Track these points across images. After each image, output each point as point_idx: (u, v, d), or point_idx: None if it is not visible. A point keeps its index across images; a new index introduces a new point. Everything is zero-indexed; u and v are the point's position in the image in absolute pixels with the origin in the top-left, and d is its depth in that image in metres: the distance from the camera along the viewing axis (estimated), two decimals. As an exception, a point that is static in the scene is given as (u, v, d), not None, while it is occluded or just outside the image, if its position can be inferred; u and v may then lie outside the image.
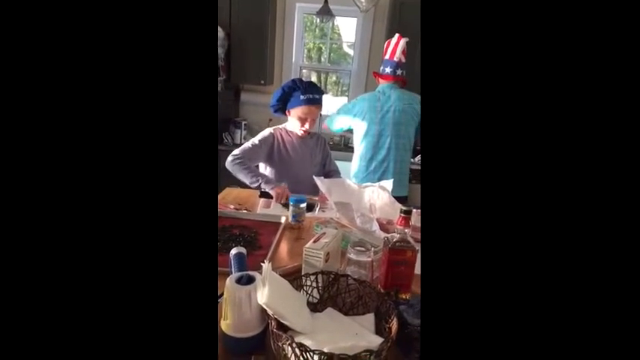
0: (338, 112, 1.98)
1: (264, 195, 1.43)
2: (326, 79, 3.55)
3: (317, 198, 1.45)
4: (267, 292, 0.60)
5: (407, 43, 1.78)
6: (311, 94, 1.55)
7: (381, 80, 1.88)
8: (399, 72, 1.81)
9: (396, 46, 1.79)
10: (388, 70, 1.82)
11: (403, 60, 1.81)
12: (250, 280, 0.63)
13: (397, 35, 1.80)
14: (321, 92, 1.60)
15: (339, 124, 1.97)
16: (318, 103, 1.58)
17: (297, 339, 0.56)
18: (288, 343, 0.55)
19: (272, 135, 1.65)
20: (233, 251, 0.72)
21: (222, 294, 0.72)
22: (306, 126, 1.60)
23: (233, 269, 0.69)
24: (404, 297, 0.79)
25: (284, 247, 1.09)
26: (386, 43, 1.84)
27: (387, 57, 1.83)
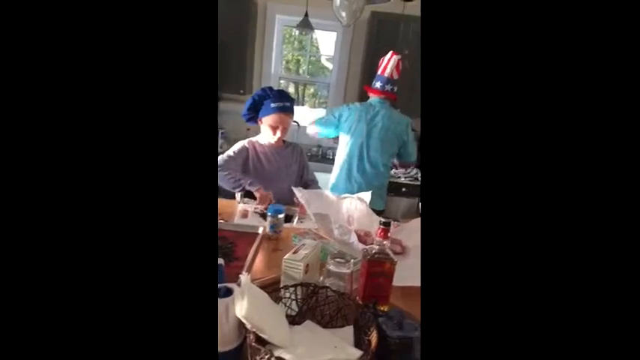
0: (326, 114, 2.00)
1: (248, 195, 1.41)
2: (304, 90, 3.57)
3: (297, 208, 1.44)
4: (246, 304, 0.59)
5: (399, 59, 1.84)
6: (281, 102, 1.55)
7: (371, 94, 1.92)
8: (388, 87, 1.86)
9: (387, 63, 1.84)
10: (378, 84, 1.88)
11: (395, 76, 1.86)
12: (228, 293, 0.62)
13: (391, 52, 1.86)
14: (291, 100, 1.61)
15: (323, 128, 1.99)
16: (288, 110, 1.58)
17: (276, 353, 0.55)
18: (267, 357, 0.54)
19: (245, 148, 1.64)
20: (210, 262, 0.70)
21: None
22: (278, 134, 1.59)
23: (210, 281, 0.67)
24: (382, 309, 0.79)
25: (261, 259, 1.07)
26: (380, 59, 1.90)
27: (379, 72, 1.88)
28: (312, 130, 2.05)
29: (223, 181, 1.50)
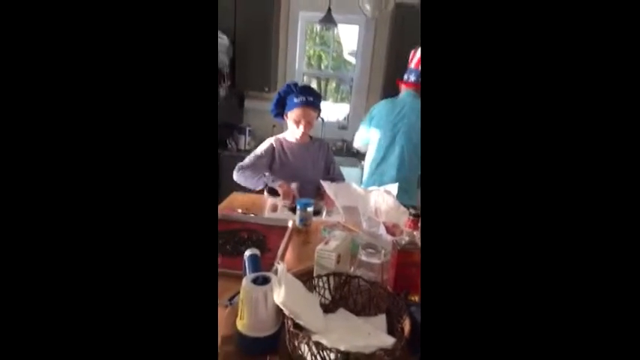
0: (361, 124, 1.99)
1: (271, 192, 1.44)
2: (326, 85, 3.58)
3: (322, 202, 1.46)
4: (283, 292, 0.61)
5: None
6: (304, 96, 1.57)
7: (403, 87, 1.89)
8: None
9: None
10: (413, 78, 1.84)
11: None
12: (266, 281, 0.65)
13: None
14: (316, 95, 1.61)
15: (360, 137, 1.98)
16: (312, 105, 1.59)
17: (313, 338, 0.58)
18: (304, 341, 0.56)
19: (272, 145, 1.68)
20: (247, 253, 0.73)
21: (236, 294, 0.74)
22: (301, 128, 1.61)
23: (247, 270, 0.70)
24: (413, 299, 0.80)
25: (292, 251, 1.10)
26: (412, 52, 1.87)
27: (412, 66, 1.85)
28: (358, 144, 2.05)
29: (246, 181, 1.56)
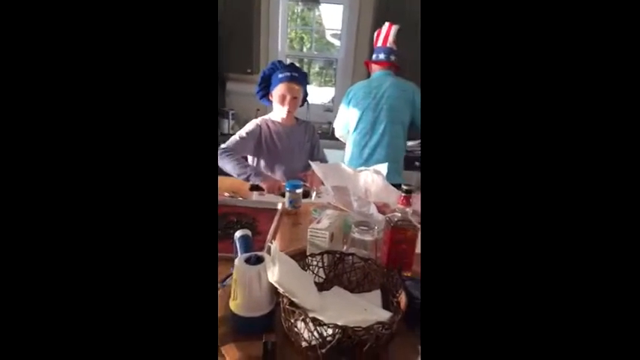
0: (340, 107, 1.97)
1: (255, 188, 1.41)
2: (309, 69, 3.52)
3: (308, 184, 1.44)
4: (277, 270, 0.60)
5: (399, 29, 1.80)
6: (289, 72, 1.54)
7: (374, 67, 1.88)
8: (392, 58, 1.83)
9: (387, 34, 1.80)
10: (382, 56, 1.83)
11: (394, 47, 1.83)
12: (259, 261, 0.63)
13: (387, 23, 1.82)
14: (300, 71, 1.59)
15: (341, 122, 1.96)
16: (296, 80, 1.55)
17: (310, 315, 0.57)
18: (301, 318, 0.55)
19: (258, 126, 1.63)
20: (238, 234, 0.71)
21: (227, 276, 0.72)
22: (286, 107, 1.56)
23: (239, 251, 0.69)
24: (406, 275, 0.81)
25: (282, 233, 1.09)
26: (376, 32, 1.85)
27: (379, 44, 1.85)
28: (339, 133, 2.02)
29: (229, 166, 1.48)
